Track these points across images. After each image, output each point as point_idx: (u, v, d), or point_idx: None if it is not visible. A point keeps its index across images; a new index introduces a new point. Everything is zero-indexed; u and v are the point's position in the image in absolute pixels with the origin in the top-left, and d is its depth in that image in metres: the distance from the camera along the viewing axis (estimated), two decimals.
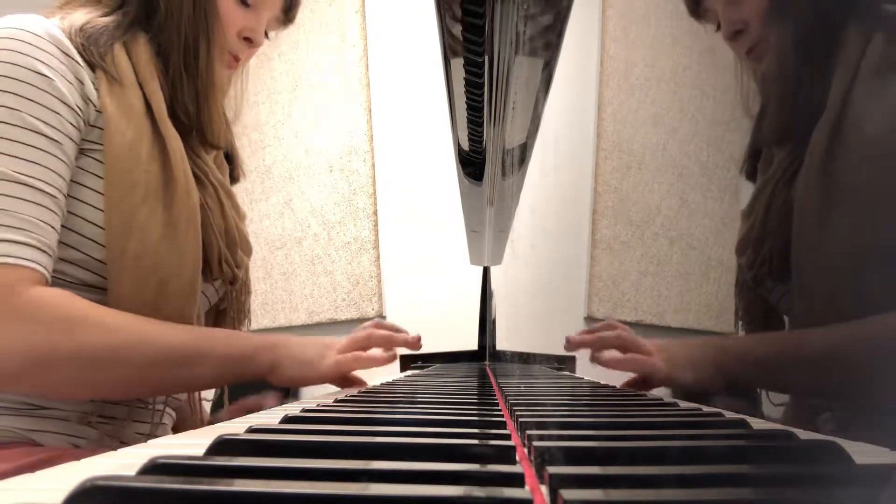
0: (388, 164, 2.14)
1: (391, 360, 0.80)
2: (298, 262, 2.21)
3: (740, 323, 0.86)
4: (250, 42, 0.81)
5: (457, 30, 0.38)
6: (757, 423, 0.37)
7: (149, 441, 0.34)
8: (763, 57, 0.77)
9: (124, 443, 0.73)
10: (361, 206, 2.13)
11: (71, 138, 0.65)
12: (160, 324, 0.67)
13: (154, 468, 0.23)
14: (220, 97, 0.81)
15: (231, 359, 0.71)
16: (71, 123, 0.65)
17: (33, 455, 0.63)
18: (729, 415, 0.42)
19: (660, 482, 0.22)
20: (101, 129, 0.67)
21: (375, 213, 2.12)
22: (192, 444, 0.32)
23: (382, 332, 0.81)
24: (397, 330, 0.84)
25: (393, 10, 2.17)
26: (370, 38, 2.17)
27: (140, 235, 0.66)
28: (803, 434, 0.32)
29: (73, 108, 0.65)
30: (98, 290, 0.67)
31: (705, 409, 0.48)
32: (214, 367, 0.69)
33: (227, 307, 0.86)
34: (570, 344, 0.85)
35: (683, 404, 0.51)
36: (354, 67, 2.16)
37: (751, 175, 0.87)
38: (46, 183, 0.62)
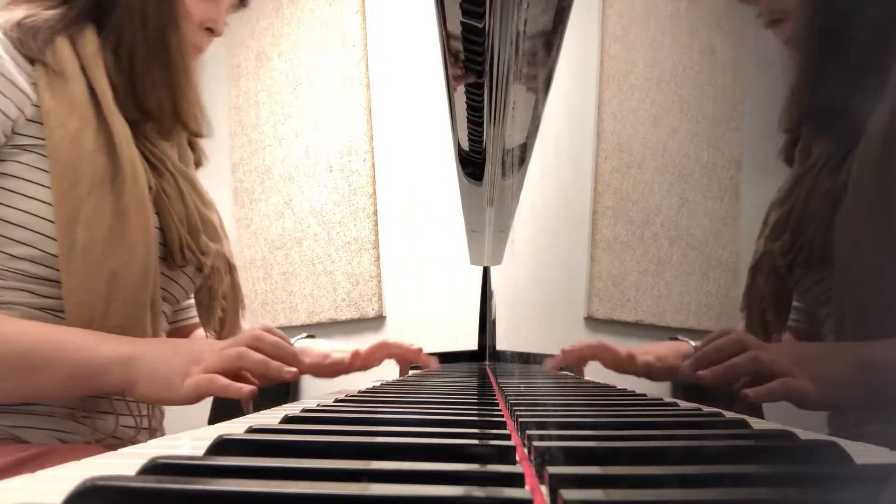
0: (388, 164, 2.14)
1: (246, 395, 0.64)
2: (298, 262, 2.21)
3: (765, 312, 0.82)
4: (212, 32, 0.81)
5: (457, 30, 0.38)
6: (757, 423, 0.37)
7: (149, 441, 0.34)
8: (801, 47, 0.76)
9: (116, 438, 0.73)
10: (361, 206, 2.13)
11: None
12: (6, 324, 0.63)
13: (154, 468, 0.23)
14: (195, 85, 0.80)
15: (79, 373, 0.64)
16: None
17: (21, 452, 0.63)
18: (729, 415, 0.42)
19: (660, 482, 0.22)
20: (41, 123, 0.67)
21: (375, 213, 2.12)
22: (192, 444, 0.32)
23: (257, 356, 0.67)
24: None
25: (393, 10, 2.17)
26: (370, 38, 2.16)
27: (88, 227, 0.66)
28: (803, 434, 0.32)
29: None
30: (53, 284, 0.67)
31: (705, 409, 0.48)
32: (58, 378, 0.64)
33: (199, 295, 0.84)
34: (696, 373, 0.66)
35: (683, 404, 0.51)
36: (354, 67, 2.16)
37: (790, 160, 0.86)
38: None
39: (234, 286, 0.88)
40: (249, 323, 0.91)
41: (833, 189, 0.70)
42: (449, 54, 0.41)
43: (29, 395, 0.67)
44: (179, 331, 0.92)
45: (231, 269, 0.87)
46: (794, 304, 0.84)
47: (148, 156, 0.74)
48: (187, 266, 0.79)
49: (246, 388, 0.64)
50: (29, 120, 0.67)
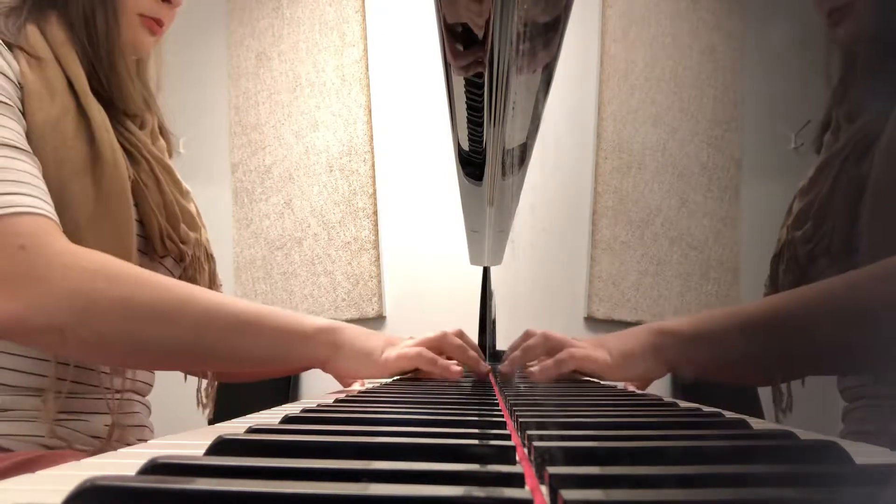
0: (388, 164, 2.14)
1: (456, 374, 0.70)
2: (298, 262, 2.21)
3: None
4: (168, 2, 0.78)
5: (457, 30, 0.38)
6: (757, 423, 0.37)
7: (149, 441, 0.34)
8: (857, 34, 0.75)
9: (96, 437, 0.70)
10: (361, 206, 2.13)
11: (14, 104, 0.65)
12: (210, 291, 0.65)
13: (154, 468, 0.23)
14: (129, 63, 0.77)
15: (288, 334, 0.67)
16: (9, 91, 0.65)
17: (4, 461, 0.59)
18: (729, 415, 0.42)
19: (660, 482, 0.22)
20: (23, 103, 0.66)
21: (375, 213, 2.12)
22: (192, 444, 0.32)
23: (458, 340, 0.74)
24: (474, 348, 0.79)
25: (393, 10, 2.17)
26: (370, 38, 2.17)
27: (73, 210, 0.65)
28: (803, 434, 0.32)
29: (10, 79, 0.65)
30: None
31: (705, 409, 0.48)
32: (270, 339, 0.66)
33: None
34: (504, 372, 0.79)
35: (683, 404, 0.51)
36: (354, 67, 2.16)
37: (818, 148, 0.86)
38: (20, 144, 0.63)
39: (213, 277, 0.87)
40: None
41: (857, 178, 0.70)
42: (448, 54, 0.41)
43: (238, 358, 0.69)
44: None
45: (210, 258, 0.86)
46: None
47: (124, 143, 0.73)
48: (167, 257, 0.78)
49: (455, 367, 0.70)
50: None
